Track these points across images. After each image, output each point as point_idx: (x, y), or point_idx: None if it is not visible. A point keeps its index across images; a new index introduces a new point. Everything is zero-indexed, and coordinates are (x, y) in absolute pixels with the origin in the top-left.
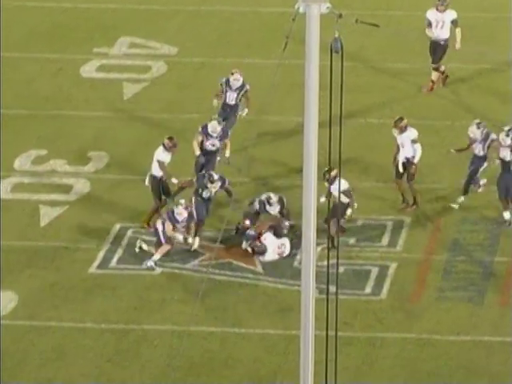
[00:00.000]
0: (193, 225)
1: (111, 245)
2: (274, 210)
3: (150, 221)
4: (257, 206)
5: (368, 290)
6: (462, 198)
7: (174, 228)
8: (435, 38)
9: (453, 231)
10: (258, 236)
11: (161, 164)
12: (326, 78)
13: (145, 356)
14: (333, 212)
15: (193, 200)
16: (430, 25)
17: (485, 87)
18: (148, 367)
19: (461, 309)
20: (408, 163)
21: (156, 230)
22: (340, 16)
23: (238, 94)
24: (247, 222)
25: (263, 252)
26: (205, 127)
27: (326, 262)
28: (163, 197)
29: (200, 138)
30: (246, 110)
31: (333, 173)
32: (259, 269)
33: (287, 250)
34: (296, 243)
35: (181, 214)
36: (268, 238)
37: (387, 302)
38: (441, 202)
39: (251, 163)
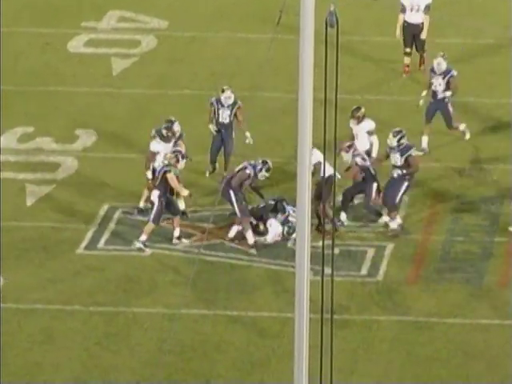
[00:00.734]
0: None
1: (99, 225)
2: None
3: None
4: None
5: (364, 271)
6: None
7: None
8: (410, 22)
9: (451, 211)
10: (264, 220)
11: (151, 155)
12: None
13: (134, 339)
14: (327, 190)
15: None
16: (403, 10)
17: (483, 63)
18: (138, 351)
19: (459, 291)
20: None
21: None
22: None
23: (231, 111)
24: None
25: (263, 235)
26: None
27: (320, 243)
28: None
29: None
30: (248, 134)
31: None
32: (252, 250)
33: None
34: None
35: None
36: (273, 224)
37: (384, 284)
38: (438, 181)
39: (244, 141)
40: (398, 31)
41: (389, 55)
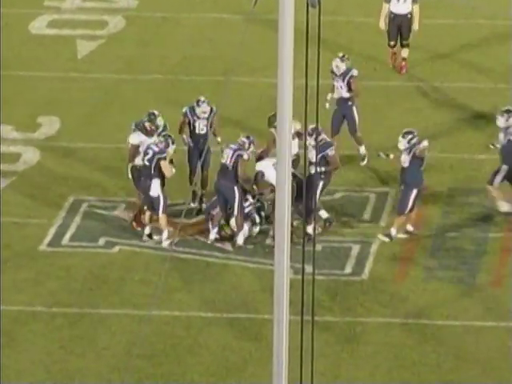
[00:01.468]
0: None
1: (64, 220)
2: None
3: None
4: None
5: (348, 269)
6: None
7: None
8: (397, 13)
9: (442, 204)
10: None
11: (133, 148)
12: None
13: (102, 343)
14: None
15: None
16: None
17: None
18: (105, 355)
19: (450, 290)
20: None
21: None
22: None
23: (208, 120)
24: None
25: (232, 238)
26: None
27: (301, 239)
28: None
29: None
30: (219, 139)
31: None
32: (228, 247)
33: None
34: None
35: None
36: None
37: (369, 283)
38: (429, 171)
39: (222, 126)
40: (382, 22)
41: (372, 37)
